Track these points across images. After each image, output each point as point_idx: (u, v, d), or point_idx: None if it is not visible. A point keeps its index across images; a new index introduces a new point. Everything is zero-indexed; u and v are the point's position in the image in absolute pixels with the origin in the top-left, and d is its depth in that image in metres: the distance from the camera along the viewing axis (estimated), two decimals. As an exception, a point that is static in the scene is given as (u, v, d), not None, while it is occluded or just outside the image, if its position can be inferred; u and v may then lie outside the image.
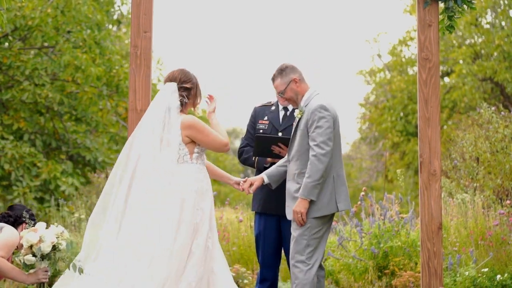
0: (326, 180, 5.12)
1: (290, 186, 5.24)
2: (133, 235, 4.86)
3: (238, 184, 5.44)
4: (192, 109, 5.23)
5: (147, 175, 4.94)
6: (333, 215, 5.25)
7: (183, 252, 4.84)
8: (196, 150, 5.05)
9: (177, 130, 5.00)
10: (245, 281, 7.90)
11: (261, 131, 5.75)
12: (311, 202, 5.09)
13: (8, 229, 5.34)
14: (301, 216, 5.07)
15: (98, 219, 4.96)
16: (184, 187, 4.95)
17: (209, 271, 4.93)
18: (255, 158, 5.71)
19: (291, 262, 5.13)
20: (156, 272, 4.77)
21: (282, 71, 5.29)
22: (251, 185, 5.38)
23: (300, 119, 5.22)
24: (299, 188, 5.13)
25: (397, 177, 8.53)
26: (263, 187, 5.48)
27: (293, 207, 5.13)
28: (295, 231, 5.14)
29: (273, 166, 5.45)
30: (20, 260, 5.19)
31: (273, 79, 5.33)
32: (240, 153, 5.87)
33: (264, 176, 5.40)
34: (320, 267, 5.20)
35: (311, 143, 5.08)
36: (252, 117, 5.90)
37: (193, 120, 5.04)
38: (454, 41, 20.50)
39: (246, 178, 5.42)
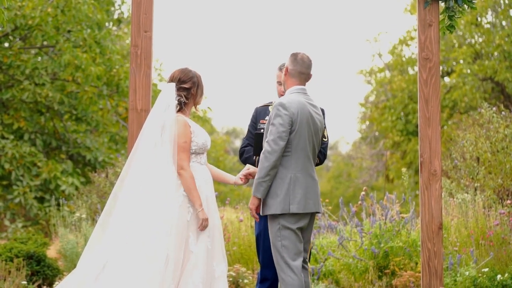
0: (281, 180, 5.01)
1: None
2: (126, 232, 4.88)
3: (241, 179, 5.32)
4: (194, 108, 5.21)
5: (142, 174, 4.95)
6: (305, 216, 5.09)
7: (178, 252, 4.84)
8: (190, 150, 5.05)
9: (171, 130, 4.99)
10: (245, 281, 7.89)
11: (262, 131, 5.73)
12: (264, 200, 5.04)
13: None
14: (252, 212, 5.05)
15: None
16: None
17: (211, 272, 4.93)
18: (255, 158, 5.69)
19: (275, 265, 5.08)
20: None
21: (293, 56, 5.21)
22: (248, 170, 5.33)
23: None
24: None
25: (398, 177, 8.54)
26: None
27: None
28: (270, 234, 5.10)
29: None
30: None
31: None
32: (241, 153, 5.85)
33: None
34: (304, 267, 5.14)
35: (264, 140, 5.06)
36: (253, 117, 5.88)
37: (181, 124, 5.03)
38: (455, 41, 20.50)
39: (249, 168, 5.32)
